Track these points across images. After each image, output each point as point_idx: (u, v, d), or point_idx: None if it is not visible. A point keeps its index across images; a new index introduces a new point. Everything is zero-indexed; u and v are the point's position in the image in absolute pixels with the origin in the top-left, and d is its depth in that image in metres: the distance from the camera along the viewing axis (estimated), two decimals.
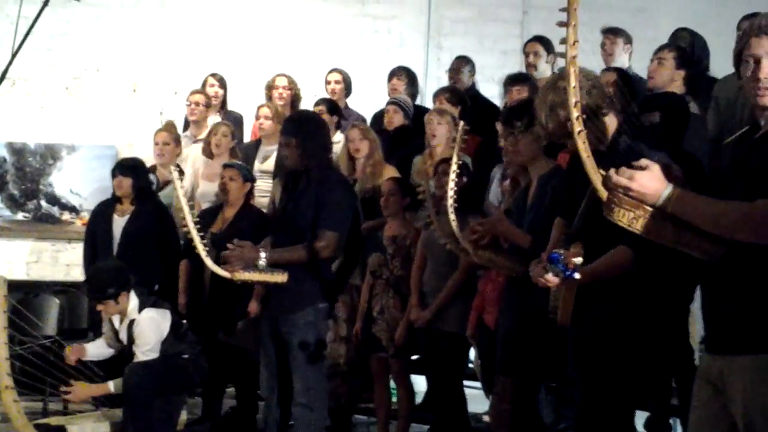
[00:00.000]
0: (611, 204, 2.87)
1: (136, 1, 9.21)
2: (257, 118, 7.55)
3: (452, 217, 4.80)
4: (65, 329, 7.60)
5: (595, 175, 2.94)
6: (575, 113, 2.95)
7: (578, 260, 3.26)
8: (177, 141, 7.53)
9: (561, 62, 6.77)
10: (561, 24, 2.91)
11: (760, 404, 2.81)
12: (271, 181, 7.12)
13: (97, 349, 6.04)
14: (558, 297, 3.70)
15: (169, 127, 7.71)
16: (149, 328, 5.71)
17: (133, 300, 5.77)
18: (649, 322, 3.69)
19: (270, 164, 7.28)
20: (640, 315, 3.66)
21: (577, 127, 2.95)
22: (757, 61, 2.88)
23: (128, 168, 6.75)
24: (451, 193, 4.84)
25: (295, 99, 7.91)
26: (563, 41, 2.93)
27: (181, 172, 6.96)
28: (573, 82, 2.93)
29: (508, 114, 4.78)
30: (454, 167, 4.84)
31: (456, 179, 4.83)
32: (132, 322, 5.73)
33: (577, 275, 3.27)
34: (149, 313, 5.75)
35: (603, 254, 3.52)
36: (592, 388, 3.78)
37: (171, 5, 9.20)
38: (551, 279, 3.44)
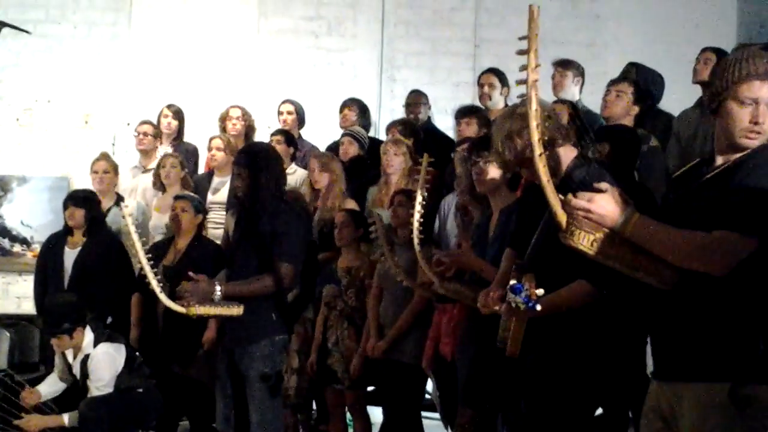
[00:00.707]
0: (570, 227, 2.91)
1: (87, 32, 9.17)
2: (209, 149, 7.54)
3: (418, 248, 4.82)
4: (16, 363, 7.49)
5: (555, 199, 2.96)
6: (536, 136, 2.95)
7: (540, 292, 3.28)
8: (115, 170, 7.47)
9: (515, 93, 6.90)
10: (520, 52, 2.94)
11: None
12: (223, 212, 7.10)
13: (50, 388, 6.01)
14: (507, 327, 3.72)
15: (105, 156, 7.65)
16: (104, 363, 5.67)
17: (88, 335, 5.73)
18: (599, 350, 3.71)
19: (222, 196, 7.26)
20: (589, 344, 3.68)
21: (538, 150, 2.96)
22: (757, 104, 2.93)
23: (81, 199, 6.69)
24: (416, 224, 4.87)
25: (248, 130, 7.90)
26: (523, 68, 2.94)
27: (120, 199, 6.95)
28: (534, 105, 2.94)
29: (476, 143, 4.82)
30: (419, 199, 4.87)
31: (422, 210, 4.86)
32: (86, 357, 5.69)
33: (538, 307, 3.28)
34: (104, 348, 5.71)
35: (555, 286, 3.53)
36: (538, 420, 3.79)
37: (123, 36, 9.18)
38: (507, 311, 3.44)
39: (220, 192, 7.31)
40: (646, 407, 3.11)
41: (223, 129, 7.88)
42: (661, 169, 5.80)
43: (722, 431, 2.84)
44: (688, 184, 3.05)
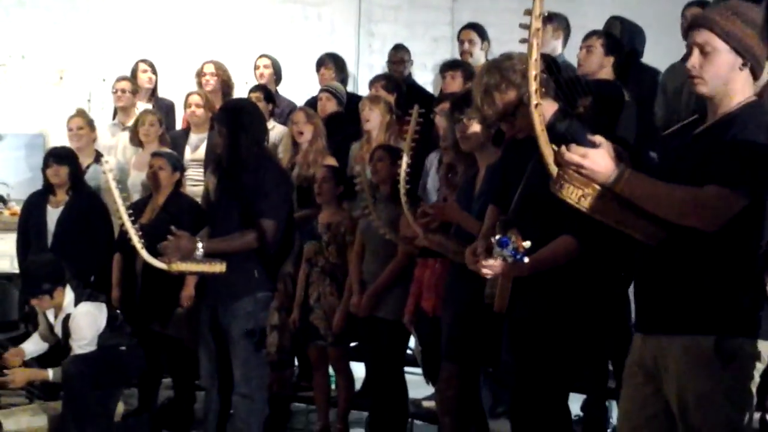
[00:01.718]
0: (561, 180, 2.91)
1: None
2: (188, 106, 7.46)
3: (404, 199, 4.81)
4: None
5: (548, 150, 2.95)
6: (534, 85, 2.94)
7: (527, 244, 3.28)
8: (91, 126, 7.38)
9: (495, 48, 6.87)
10: None
11: (693, 386, 2.88)
12: (202, 170, 7.06)
13: (34, 346, 6.01)
14: (495, 284, 3.73)
15: (81, 112, 7.56)
16: (86, 322, 5.66)
17: (69, 294, 5.71)
18: (583, 305, 3.73)
19: (201, 153, 7.21)
20: (573, 299, 3.69)
21: (535, 99, 2.94)
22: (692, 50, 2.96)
23: (64, 157, 6.61)
24: (404, 175, 4.86)
25: (224, 86, 7.83)
26: (528, 12, 2.93)
27: (100, 155, 6.89)
28: (534, 54, 2.92)
29: (458, 100, 4.80)
30: (407, 149, 4.85)
31: (410, 161, 4.84)
32: (68, 316, 5.68)
33: (526, 259, 3.28)
34: (85, 307, 5.70)
35: (539, 240, 3.52)
36: (525, 371, 3.82)
37: None
38: (497, 264, 3.43)
39: (198, 149, 7.26)
40: (630, 360, 3.13)
41: (199, 85, 7.82)
42: (630, 122, 5.80)
43: (706, 384, 2.87)
44: (681, 139, 3.05)
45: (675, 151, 3.04)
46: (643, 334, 3.06)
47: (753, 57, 2.91)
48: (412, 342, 5.78)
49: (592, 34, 6.21)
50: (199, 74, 7.84)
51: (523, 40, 2.97)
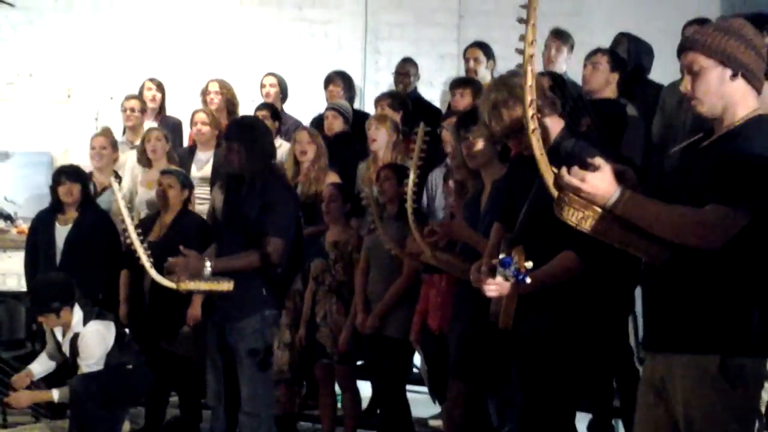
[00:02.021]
0: (561, 203, 2.92)
1: (69, 5, 9.09)
2: (194, 123, 7.49)
3: (411, 218, 4.82)
4: (3, 340, 7.48)
5: (548, 173, 2.96)
6: (530, 111, 2.95)
7: (529, 264, 3.28)
8: (114, 146, 7.43)
9: (501, 66, 6.88)
10: (521, 21, 2.92)
11: (700, 405, 2.87)
12: (208, 187, 7.08)
13: (41, 366, 6.01)
14: (499, 301, 3.73)
15: (106, 131, 7.61)
16: (94, 341, 5.67)
17: (77, 313, 5.72)
18: (588, 324, 3.72)
19: (207, 170, 7.24)
20: (579, 317, 3.69)
21: (532, 125, 2.96)
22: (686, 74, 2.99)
23: (75, 174, 6.63)
24: (410, 193, 4.87)
25: (228, 104, 7.86)
26: (522, 38, 2.94)
27: (118, 178, 6.91)
28: (530, 80, 2.93)
29: (463, 117, 4.81)
30: (414, 168, 4.86)
31: (416, 180, 4.85)
32: (76, 335, 5.69)
33: (528, 280, 3.27)
34: (94, 326, 5.70)
35: (544, 258, 3.53)
36: (532, 390, 3.81)
37: (105, 9, 9.11)
38: (501, 283, 3.42)
39: (205, 167, 7.28)
40: (642, 382, 3.14)
41: (204, 103, 7.85)
42: (638, 139, 5.81)
43: (713, 403, 2.86)
44: (687, 155, 3.06)
45: (681, 167, 3.04)
46: (652, 352, 3.06)
47: (741, 65, 2.91)
48: (418, 360, 5.79)
49: (597, 51, 6.22)
50: (204, 93, 7.88)
51: (518, 65, 2.99)
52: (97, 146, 7.31)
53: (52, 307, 5.64)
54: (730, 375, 2.84)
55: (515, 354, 3.98)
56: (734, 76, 2.91)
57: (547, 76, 6.25)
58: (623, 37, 6.69)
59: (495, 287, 3.44)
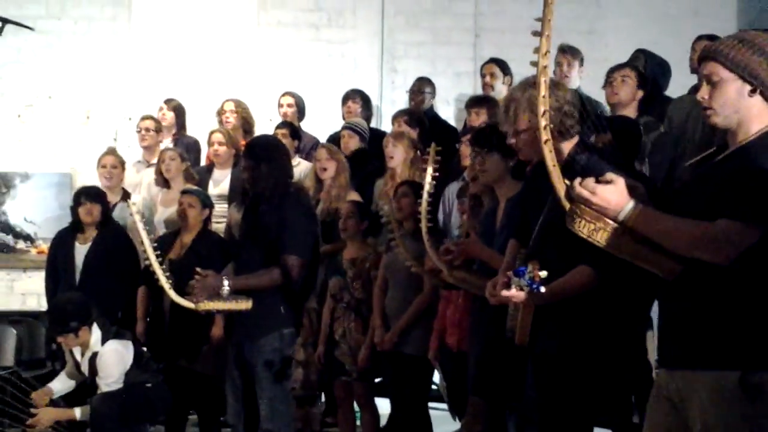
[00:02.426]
0: (573, 215, 2.94)
1: (87, 28, 9.16)
2: (210, 144, 7.54)
3: (426, 237, 4.83)
4: (23, 360, 7.50)
5: (560, 184, 2.98)
6: (543, 122, 2.98)
7: (544, 274, 3.28)
8: (122, 165, 7.49)
9: (517, 83, 6.90)
10: (535, 33, 2.94)
11: (720, 421, 2.85)
12: (225, 205, 7.12)
13: (61, 384, 6.04)
14: (515, 317, 3.73)
15: (113, 151, 7.67)
16: (113, 360, 5.69)
17: (95, 333, 5.75)
18: (605, 339, 3.72)
19: (223, 188, 7.27)
20: (595, 332, 3.68)
21: (545, 136, 2.98)
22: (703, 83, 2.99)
23: (95, 195, 6.69)
24: (425, 213, 4.88)
25: (244, 123, 7.91)
26: (536, 50, 2.97)
27: (127, 195, 6.96)
28: (543, 91, 2.96)
29: (477, 134, 4.83)
30: (427, 188, 4.87)
31: (430, 199, 4.86)
32: (94, 355, 5.71)
33: (543, 289, 3.27)
34: (112, 345, 5.73)
35: (560, 273, 3.53)
36: (549, 406, 3.79)
37: (123, 32, 9.16)
38: (514, 294, 3.40)
39: (220, 185, 7.31)
40: (654, 393, 3.12)
41: (220, 123, 7.90)
42: (667, 156, 5.82)
43: (733, 418, 2.84)
44: (701, 169, 3.06)
45: (693, 181, 3.04)
46: (668, 369, 3.05)
47: (762, 83, 2.90)
48: (437, 377, 5.79)
49: (624, 66, 6.24)
50: (220, 112, 7.94)
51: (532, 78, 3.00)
52: (108, 165, 7.37)
53: (70, 327, 5.67)
54: (750, 390, 2.82)
55: (533, 370, 3.97)
56: (753, 92, 2.91)
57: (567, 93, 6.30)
58: (641, 54, 6.71)
59: (511, 297, 3.44)
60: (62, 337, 5.78)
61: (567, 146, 3.76)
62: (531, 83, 3.66)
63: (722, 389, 2.85)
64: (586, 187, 2.90)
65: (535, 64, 2.95)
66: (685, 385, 2.94)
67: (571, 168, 3.51)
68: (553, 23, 2.91)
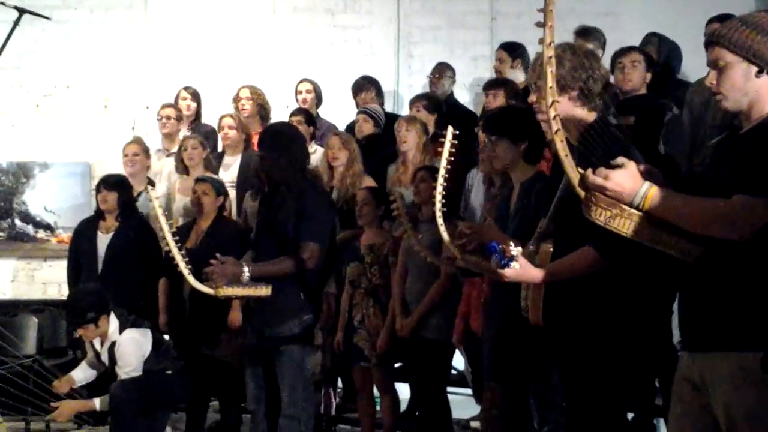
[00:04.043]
0: (588, 203, 2.93)
1: (104, 17, 9.17)
2: (221, 128, 7.54)
3: (440, 221, 4.81)
4: (45, 348, 7.56)
5: (573, 173, 2.97)
6: (552, 113, 2.96)
7: (517, 250, 3.28)
8: (147, 153, 7.51)
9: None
10: (538, 24, 2.93)
11: (742, 403, 2.85)
12: (233, 190, 7.13)
13: (83, 374, 6.07)
14: (527, 296, 3.72)
15: (138, 139, 7.70)
16: (131, 349, 5.73)
17: (113, 322, 5.78)
18: (626, 321, 3.68)
19: (232, 173, 7.27)
20: (615, 314, 3.63)
21: (555, 126, 2.96)
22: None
23: (113, 183, 6.72)
24: (439, 197, 4.85)
25: (260, 109, 7.90)
26: (541, 41, 2.96)
27: (151, 184, 6.98)
28: (550, 82, 2.95)
29: (487, 120, 4.81)
30: (442, 172, 4.85)
31: (444, 184, 4.84)
32: (113, 344, 5.74)
33: (515, 264, 3.28)
34: (130, 333, 5.76)
35: (573, 251, 3.52)
36: (575, 389, 3.78)
37: (139, 19, 9.17)
38: (503, 272, 3.38)
39: (230, 170, 7.32)
40: (678, 376, 3.11)
41: (237, 110, 7.91)
42: (683, 137, 5.79)
43: (756, 399, 2.84)
44: (720, 150, 3.05)
45: (711, 163, 3.04)
46: (690, 352, 3.05)
47: (766, 62, 2.90)
48: (460, 362, 5.78)
49: (631, 49, 6.21)
50: (236, 99, 7.94)
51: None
52: (130, 153, 7.39)
53: (88, 317, 5.70)
54: None
55: (554, 355, 3.96)
56: (760, 72, 2.90)
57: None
58: (653, 37, 6.69)
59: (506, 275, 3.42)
60: (82, 329, 5.81)
61: (589, 116, 3.69)
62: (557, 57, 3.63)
63: (744, 370, 2.84)
64: (599, 174, 2.89)
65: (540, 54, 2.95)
66: (706, 368, 2.94)
67: (588, 140, 3.48)
68: (555, 12, 2.90)
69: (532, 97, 3.80)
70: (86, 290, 5.99)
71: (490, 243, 3.33)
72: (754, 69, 2.90)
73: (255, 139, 7.26)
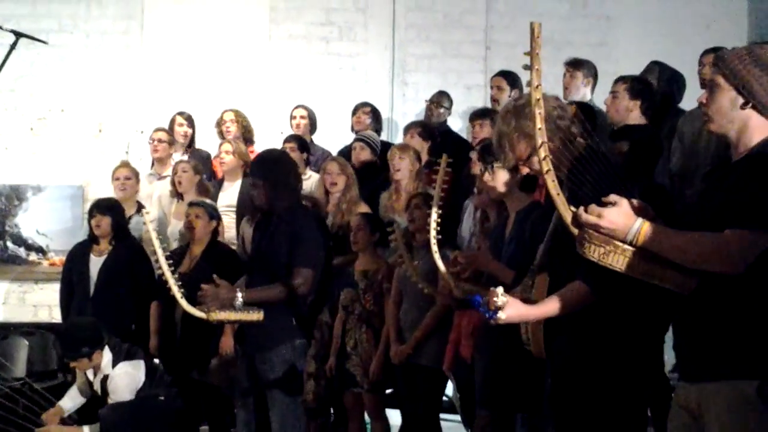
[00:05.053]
0: (582, 240, 2.95)
1: (99, 41, 9.21)
2: (218, 155, 7.55)
3: (435, 248, 4.82)
4: (35, 371, 7.53)
5: (566, 212, 3.00)
6: (542, 153, 3.01)
7: (501, 300, 3.21)
8: (137, 176, 7.52)
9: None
10: (525, 67, 2.98)
11: (737, 429, 2.86)
12: (232, 215, 7.13)
13: (72, 402, 6.07)
14: (527, 330, 3.73)
15: (127, 163, 7.72)
16: (124, 383, 5.74)
17: (107, 355, 5.78)
18: (620, 351, 3.69)
19: (230, 198, 7.27)
20: (610, 345, 3.64)
21: (545, 166, 3.01)
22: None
23: (106, 207, 6.73)
24: (434, 225, 4.87)
25: (245, 131, 7.95)
26: (529, 84, 3.00)
27: (142, 208, 6.98)
28: (539, 124, 3.00)
29: (483, 149, 4.83)
30: (437, 200, 4.87)
31: (439, 211, 4.86)
32: (106, 377, 5.73)
33: (501, 315, 3.22)
34: (123, 368, 5.76)
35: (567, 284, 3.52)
36: (571, 420, 3.75)
37: (135, 46, 9.22)
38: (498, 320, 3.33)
39: (228, 194, 7.32)
40: (674, 405, 3.12)
41: (220, 134, 7.94)
42: (680, 169, 5.80)
43: (750, 428, 2.84)
44: (710, 182, 3.06)
45: (702, 194, 3.05)
46: (686, 381, 3.05)
47: (755, 98, 2.91)
48: (450, 389, 5.77)
49: (619, 80, 6.23)
50: (219, 123, 7.98)
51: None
52: (122, 177, 7.41)
53: (82, 352, 5.71)
54: None
55: (546, 384, 3.95)
56: (745, 104, 2.93)
57: (574, 105, 6.29)
58: (654, 66, 6.71)
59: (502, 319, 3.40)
60: (75, 362, 5.80)
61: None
62: (512, 111, 3.63)
63: (740, 399, 2.85)
64: (592, 213, 2.91)
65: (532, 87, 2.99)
66: (703, 397, 2.94)
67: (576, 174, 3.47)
68: (552, 38, 2.96)
69: (524, 169, 3.83)
70: (82, 324, 5.98)
71: (474, 296, 3.28)
72: (741, 101, 2.93)
73: None
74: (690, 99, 6.66)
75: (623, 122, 5.98)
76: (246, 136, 7.92)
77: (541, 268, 3.65)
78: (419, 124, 7.29)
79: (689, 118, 6.09)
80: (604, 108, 6.55)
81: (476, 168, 5.32)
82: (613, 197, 2.95)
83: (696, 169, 5.68)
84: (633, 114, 6.03)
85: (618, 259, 2.92)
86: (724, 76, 2.95)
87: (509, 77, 7.37)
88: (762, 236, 2.79)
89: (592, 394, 3.67)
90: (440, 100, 7.90)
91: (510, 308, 3.27)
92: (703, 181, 3.14)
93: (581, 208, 2.93)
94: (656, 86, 6.39)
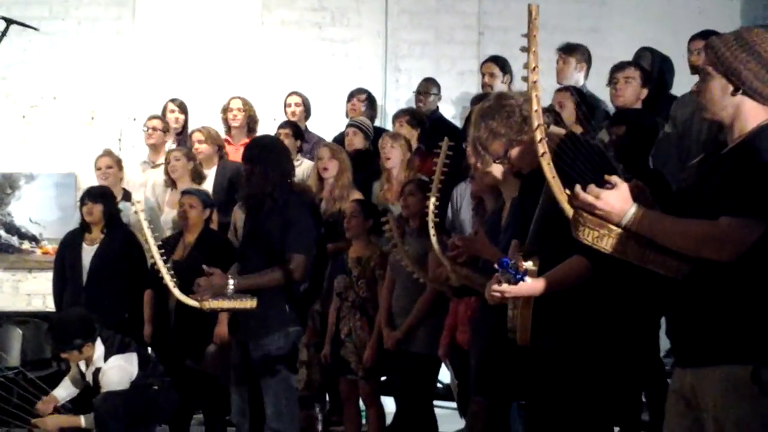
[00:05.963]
0: (577, 223, 2.94)
1: (91, 28, 9.16)
2: (191, 143, 7.49)
3: (432, 233, 4.81)
4: (29, 360, 7.52)
5: (561, 194, 2.99)
6: (539, 135, 3.00)
7: (529, 264, 3.30)
8: (119, 165, 7.48)
9: (518, 81, 6.91)
10: (523, 49, 2.97)
11: (731, 415, 2.86)
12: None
13: (65, 391, 6.06)
14: (515, 316, 3.71)
15: (109, 152, 7.66)
16: (117, 377, 5.73)
17: (99, 348, 5.77)
18: (614, 335, 3.70)
19: (206, 186, 7.21)
20: (603, 328, 3.64)
21: (541, 148, 3.00)
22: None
23: (98, 195, 6.70)
24: (432, 208, 4.86)
25: (250, 121, 7.92)
26: (525, 66, 2.99)
27: (127, 195, 6.97)
28: (535, 106, 2.99)
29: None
30: (437, 183, 4.86)
31: (438, 195, 4.85)
32: (98, 370, 5.73)
33: (528, 279, 3.30)
34: (115, 361, 5.76)
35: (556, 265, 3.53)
36: (563, 405, 3.74)
37: (127, 31, 9.17)
38: (504, 289, 3.40)
39: (205, 182, 7.27)
40: (670, 391, 3.13)
41: (225, 121, 7.90)
42: (676, 155, 5.80)
43: (745, 412, 2.84)
44: (702, 169, 3.06)
45: (697, 181, 3.04)
46: (681, 367, 3.05)
47: (743, 82, 2.91)
48: (446, 376, 5.78)
49: (627, 65, 6.20)
50: (226, 110, 7.93)
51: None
52: (103, 166, 7.37)
53: (74, 344, 5.70)
54: (763, 384, 2.81)
55: (537, 370, 3.94)
56: (735, 91, 2.92)
57: (570, 91, 6.29)
58: (646, 52, 6.71)
59: (499, 292, 3.43)
60: (66, 354, 5.80)
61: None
62: (480, 115, 3.77)
63: (734, 384, 2.85)
64: (591, 193, 2.90)
65: (525, 79, 2.98)
66: (697, 382, 2.95)
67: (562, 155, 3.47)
68: (546, 23, 2.95)
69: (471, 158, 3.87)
70: (73, 316, 5.96)
71: (502, 258, 3.34)
72: (731, 88, 2.92)
73: (240, 151, 7.23)
74: (680, 84, 6.68)
75: (631, 107, 5.98)
76: (251, 124, 7.89)
77: (528, 254, 3.64)
78: (408, 112, 7.25)
79: (681, 103, 6.09)
80: (596, 92, 6.55)
81: (471, 157, 5.31)
82: (614, 178, 2.94)
83: (689, 152, 5.68)
84: (638, 103, 6.04)
85: (612, 243, 2.92)
86: (713, 64, 2.95)
87: (499, 62, 7.35)
88: (756, 224, 2.79)
89: (588, 379, 3.67)
90: (428, 88, 7.86)
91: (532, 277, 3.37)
92: (696, 168, 3.13)
93: (577, 188, 2.92)
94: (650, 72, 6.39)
